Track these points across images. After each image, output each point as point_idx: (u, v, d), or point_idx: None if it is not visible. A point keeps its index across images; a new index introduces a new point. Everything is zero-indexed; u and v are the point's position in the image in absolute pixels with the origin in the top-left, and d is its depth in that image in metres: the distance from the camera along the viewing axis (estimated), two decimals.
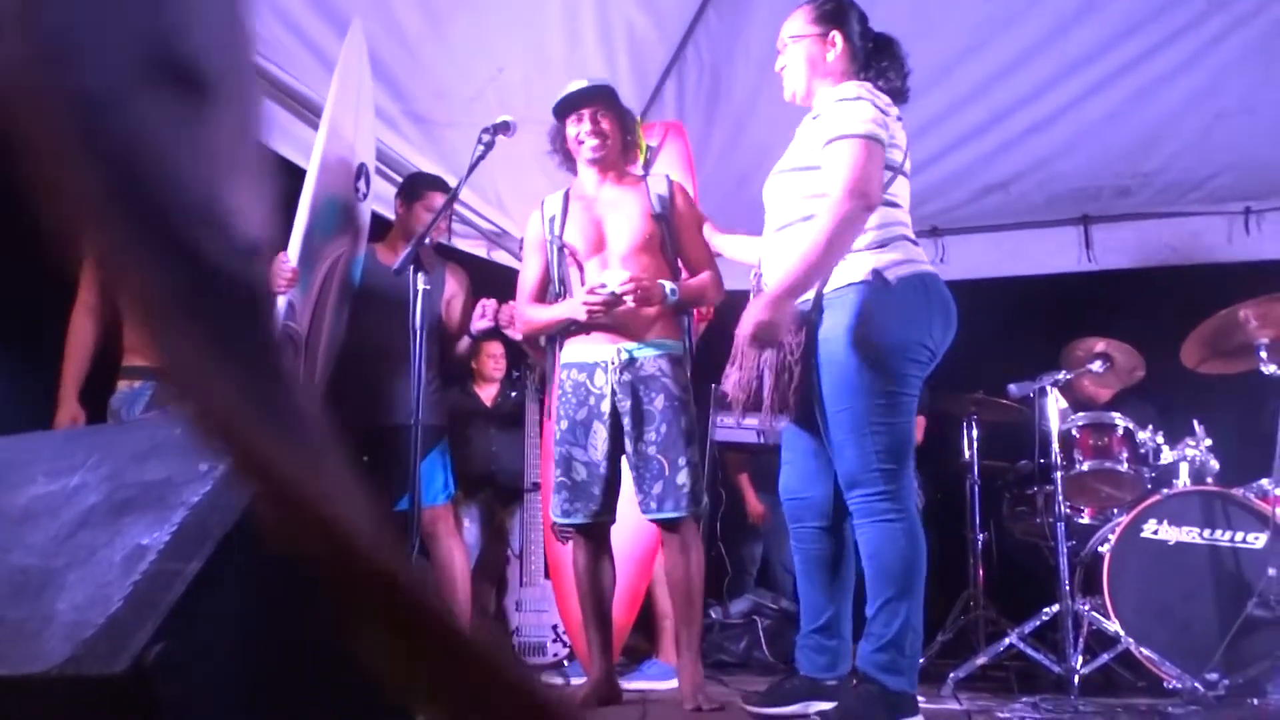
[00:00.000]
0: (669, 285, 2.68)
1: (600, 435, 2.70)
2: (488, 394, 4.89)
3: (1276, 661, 2.91)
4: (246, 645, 1.21)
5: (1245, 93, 3.95)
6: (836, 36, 2.39)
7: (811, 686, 2.34)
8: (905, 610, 2.18)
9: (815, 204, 2.22)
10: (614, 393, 2.69)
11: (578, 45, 3.96)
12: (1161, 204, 4.65)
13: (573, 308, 2.67)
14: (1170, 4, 3.68)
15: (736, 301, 2.68)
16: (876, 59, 2.42)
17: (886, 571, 2.20)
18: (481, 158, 2.66)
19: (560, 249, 2.80)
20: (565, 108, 2.83)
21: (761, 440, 4.01)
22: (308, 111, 3.78)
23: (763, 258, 2.42)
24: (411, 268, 2.43)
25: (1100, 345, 3.77)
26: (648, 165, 3.13)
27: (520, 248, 5.12)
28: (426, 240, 2.49)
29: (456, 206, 4.57)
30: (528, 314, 2.88)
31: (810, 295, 2.22)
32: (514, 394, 4.46)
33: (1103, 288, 4.76)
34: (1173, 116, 4.12)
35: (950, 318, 2.28)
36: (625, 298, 2.57)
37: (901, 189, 2.35)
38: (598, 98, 2.82)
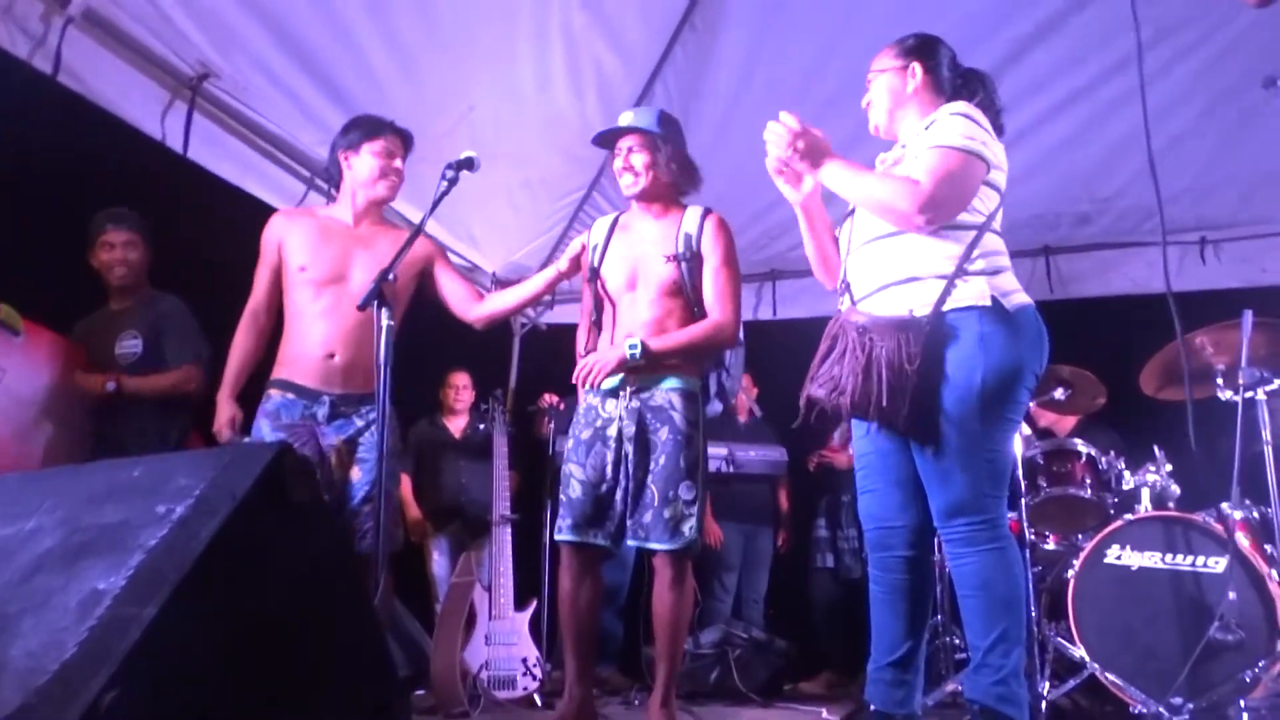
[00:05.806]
0: (630, 345, 2.68)
1: (603, 458, 2.72)
2: (456, 426, 4.88)
3: (1239, 685, 2.94)
4: (202, 691, 1.20)
5: (1195, 119, 4.01)
6: (916, 68, 2.42)
7: None
8: (1019, 640, 2.17)
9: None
10: (622, 418, 2.72)
11: (548, 84, 4.00)
12: (1120, 234, 4.73)
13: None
14: (1118, 31, 3.75)
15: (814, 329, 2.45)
16: (965, 92, 2.44)
17: (1001, 601, 2.16)
18: (445, 193, 2.65)
19: (596, 279, 2.87)
20: (600, 144, 2.91)
21: (730, 469, 4.03)
22: (278, 152, 3.81)
23: (851, 270, 2.38)
24: (375, 303, 2.42)
25: (1063, 373, 3.82)
26: None
27: (492, 281, 5.19)
28: (390, 276, 2.48)
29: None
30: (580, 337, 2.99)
31: (928, 311, 2.19)
32: (482, 426, 4.45)
33: (1064, 316, 4.82)
34: (1126, 141, 4.18)
35: (1047, 348, 2.31)
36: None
37: (999, 216, 2.37)
38: (629, 135, 2.85)
